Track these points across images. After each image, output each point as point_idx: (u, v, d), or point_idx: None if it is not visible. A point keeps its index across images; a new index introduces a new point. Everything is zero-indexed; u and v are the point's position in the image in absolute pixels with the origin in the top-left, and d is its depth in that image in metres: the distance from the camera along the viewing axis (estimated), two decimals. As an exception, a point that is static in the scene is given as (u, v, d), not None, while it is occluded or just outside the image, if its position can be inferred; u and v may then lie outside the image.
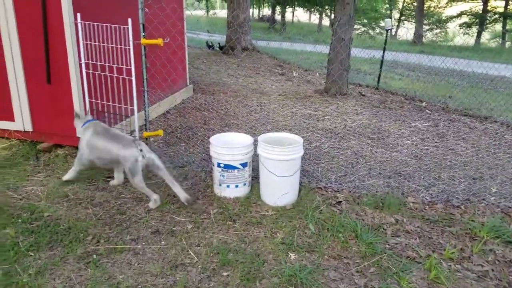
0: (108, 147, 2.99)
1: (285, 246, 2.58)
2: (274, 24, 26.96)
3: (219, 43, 12.07)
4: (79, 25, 3.34)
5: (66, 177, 3.29)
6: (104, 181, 3.37)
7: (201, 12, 29.18)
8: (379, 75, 8.12)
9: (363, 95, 7.21)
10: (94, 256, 2.41)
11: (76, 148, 3.85)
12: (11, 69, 3.67)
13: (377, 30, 28.85)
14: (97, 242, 2.55)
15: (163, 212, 2.95)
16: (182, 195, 2.95)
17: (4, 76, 3.70)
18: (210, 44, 12.30)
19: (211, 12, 31.73)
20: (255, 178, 3.39)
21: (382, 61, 8.17)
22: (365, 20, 29.51)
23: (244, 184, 3.19)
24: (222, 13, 22.34)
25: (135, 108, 3.55)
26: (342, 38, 6.63)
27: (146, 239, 2.61)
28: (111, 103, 3.73)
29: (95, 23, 3.40)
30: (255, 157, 3.30)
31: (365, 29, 29.62)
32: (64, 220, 2.77)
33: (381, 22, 28.04)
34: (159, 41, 3.25)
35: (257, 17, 35.43)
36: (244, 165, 3.12)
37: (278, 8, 31.01)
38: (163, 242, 2.59)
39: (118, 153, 2.94)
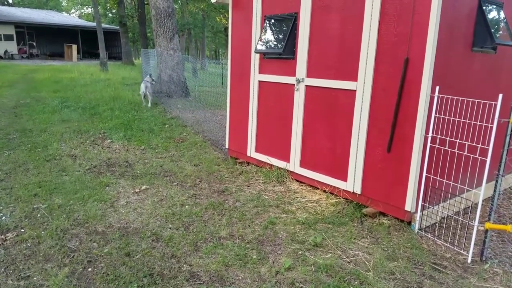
0: None
1: None
2: None
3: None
4: (435, 98, 3.21)
5: None
6: (431, 267, 3.00)
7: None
8: None
9: None
10: None
11: (402, 221, 3.68)
12: (355, 133, 3.90)
13: None
14: None
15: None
16: None
17: (347, 138, 3.98)
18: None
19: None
20: None
21: None
22: None
23: None
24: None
25: (481, 193, 3.05)
26: None
27: None
28: (451, 182, 3.38)
29: (454, 97, 3.18)
30: None
31: None
32: (393, 303, 2.55)
33: None
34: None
35: None
36: None
37: None
38: None
39: None
